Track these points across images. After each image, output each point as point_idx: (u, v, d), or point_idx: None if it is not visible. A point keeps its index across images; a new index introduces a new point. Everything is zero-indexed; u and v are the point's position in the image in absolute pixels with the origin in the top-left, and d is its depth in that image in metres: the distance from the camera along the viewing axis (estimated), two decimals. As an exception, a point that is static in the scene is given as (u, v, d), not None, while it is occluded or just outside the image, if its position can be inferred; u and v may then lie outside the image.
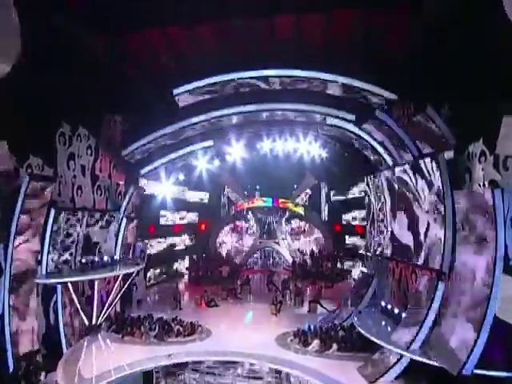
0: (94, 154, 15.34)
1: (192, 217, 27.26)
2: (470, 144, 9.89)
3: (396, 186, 13.70)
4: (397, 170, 13.60)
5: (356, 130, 15.25)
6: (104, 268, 14.55)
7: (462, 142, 10.41)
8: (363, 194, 18.14)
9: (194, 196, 26.92)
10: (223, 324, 16.58)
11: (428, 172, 11.26)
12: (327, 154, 20.73)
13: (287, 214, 28.90)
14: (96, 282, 14.36)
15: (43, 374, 10.96)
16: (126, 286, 16.06)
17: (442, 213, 10.56)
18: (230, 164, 22.20)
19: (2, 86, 9.41)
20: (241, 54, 13.38)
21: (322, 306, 18.24)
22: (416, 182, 12.22)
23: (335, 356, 12.91)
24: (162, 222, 23.57)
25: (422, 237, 11.89)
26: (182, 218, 25.92)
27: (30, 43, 10.13)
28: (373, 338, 11.70)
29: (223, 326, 16.22)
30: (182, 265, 25.96)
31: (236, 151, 20.31)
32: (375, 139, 14.80)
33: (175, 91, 14.47)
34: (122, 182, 17.49)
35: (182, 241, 26.27)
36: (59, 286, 12.94)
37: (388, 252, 14.55)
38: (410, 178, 12.53)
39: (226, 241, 29.27)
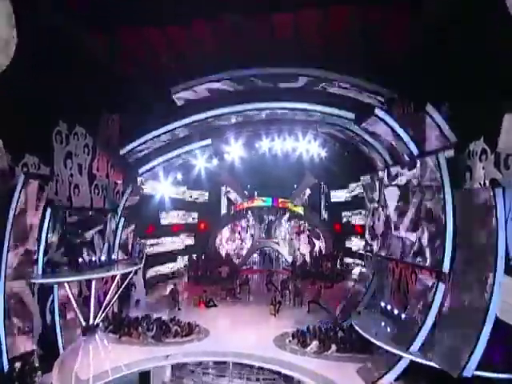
0: (92, 153, 15.24)
1: (191, 216, 27.15)
2: (471, 142, 9.80)
3: (395, 186, 13.58)
4: (396, 169, 13.48)
5: (356, 128, 15.11)
6: (101, 268, 14.48)
7: (462, 141, 10.31)
8: (362, 193, 18.02)
9: (193, 195, 26.81)
10: (221, 324, 16.49)
11: (428, 171, 11.14)
12: (326, 154, 20.59)
13: (287, 213, 28.77)
14: (93, 282, 14.30)
15: (39, 374, 10.82)
16: (123, 286, 15.99)
17: (442, 212, 10.44)
18: (229, 163, 22.06)
19: (-1, 83, 9.33)
20: (240, 53, 13.27)
21: (321, 306, 18.11)
22: (416, 181, 12.10)
23: (334, 357, 12.80)
24: (161, 221, 23.45)
25: (421, 236, 11.77)
26: (181, 218, 25.80)
27: (27, 42, 10.07)
28: (372, 339, 11.59)
29: (221, 327, 16.12)
30: (182, 265, 25.86)
31: (235, 150, 20.17)
32: (375, 138, 14.66)
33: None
34: (119, 181, 17.38)
35: (181, 241, 26.16)
36: (56, 286, 12.84)
37: (387, 252, 14.42)
38: (410, 176, 12.42)
39: (226, 240, 29.16)
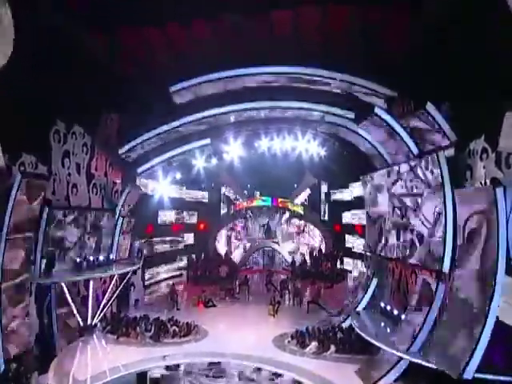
0: (90, 153, 15.17)
1: (191, 216, 27.05)
2: (472, 141, 9.71)
3: (395, 185, 13.49)
4: (396, 168, 13.39)
5: (355, 127, 15.03)
6: (99, 268, 14.39)
7: (463, 139, 10.22)
8: (362, 192, 17.91)
9: (192, 195, 26.71)
10: (220, 325, 16.42)
11: (428, 170, 11.05)
12: (326, 153, 20.49)
13: (287, 213, 28.67)
14: (91, 282, 14.22)
15: (35, 375, 10.74)
16: (121, 286, 15.90)
17: (442, 212, 10.35)
18: (228, 163, 21.97)
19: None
20: (240, 51, 13.20)
21: (320, 306, 18.03)
22: (415, 181, 12.01)
23: (333, 358, 12.73)
24: (160, 221, 23.37)
25: (420, 236, 11.68)
26: (180, 218, 25.71)
27: (26, 42, 10.00)
28: (371, 340, 11.50)
29: (220, 327, 16.05)
30: (181, 264, 25.75)
31: (234, 150, 20.08)
32: (374, 137, 14.57)
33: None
34: (118, 181, 17.32)
35: (181, 240, 26.06)
36: (53, 286, 12.75)
37: (387, 251, 14.34)
38: (410, 175, 12.33)
39: (225, 240, 29.06)
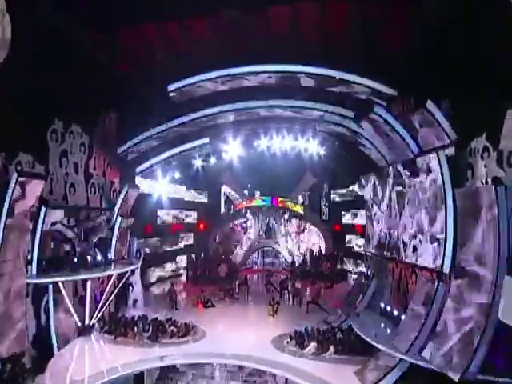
0: (88, 152, 15.07)
1: (190, 216, 26.95)
2: (473, 140, 9.61)
3: (395, 185, 13.39)
4: (396, 167, 13.29)
5: (355, 126, 14.92)
6: (97, 267, 14.29)
7: (463, 138, 10.12)
8: (362, 192, 17.81)
9: (192, 195, 26.60)
10: (219, 325, 16.30)
11: (428, 169, 10.95)
12: (325, 152, 20.38)
13: (286, 213, 28.56)
14: (89, 282, 14.13)
15: (32, 375, 10.64)
16: (119, 285, 15.81)
17: (442, 211, 10.25)
18: (227, 162, 21.88)
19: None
20: (239, 50, 13.10)
21: (320, 306, 17.92)
22: (415, 180, 11.90)
23: (332, 359, 12.59)
24: (159, 221, 23.27)
25: (420, 235, 11.57)
26: (179, 218, 25.61)
27: (26, 41, 9.92)
28: (371, 341, 11.39)
29: (219, 327, 15.94)
30: (180, 264, 25.66)
31: (233, 149, 19.97)
32: (374, 136, 14.46)
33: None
34: (116, 180, 17.21)
35: (180, 240, 25.96)
36: (50, 286, 12.65)
37: (387, 251, 14.23)
38: (410, 175, 12.22)
39: (225, 240, 28.95)
